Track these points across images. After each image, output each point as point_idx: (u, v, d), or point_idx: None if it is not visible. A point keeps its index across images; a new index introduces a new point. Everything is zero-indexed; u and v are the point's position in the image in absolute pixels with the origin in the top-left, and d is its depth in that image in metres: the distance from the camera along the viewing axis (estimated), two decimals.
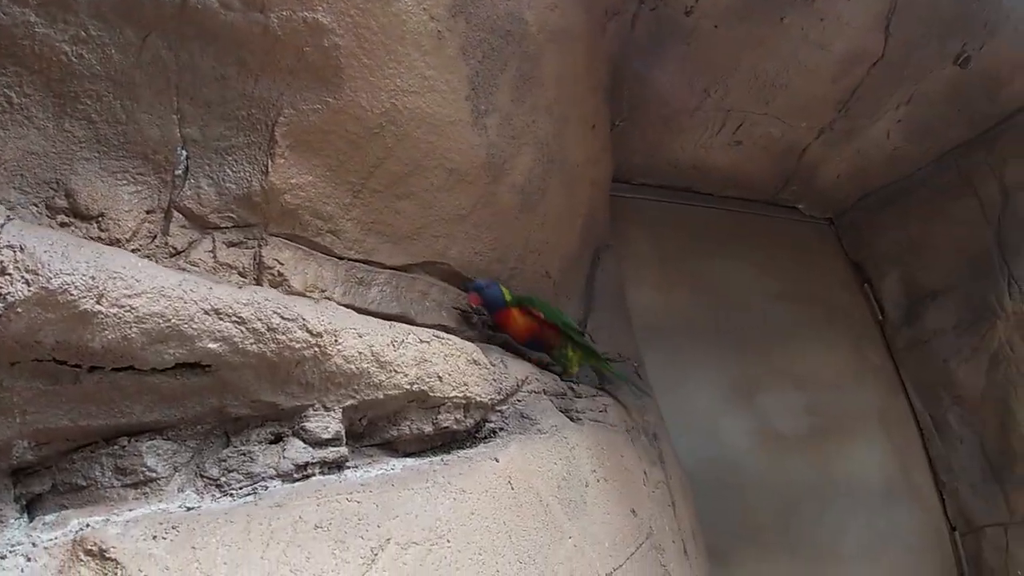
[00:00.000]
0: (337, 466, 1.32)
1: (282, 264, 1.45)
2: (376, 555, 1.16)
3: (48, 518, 1.04)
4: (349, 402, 1.36)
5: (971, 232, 3.82)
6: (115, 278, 1.02)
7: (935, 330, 3.95)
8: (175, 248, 1.33)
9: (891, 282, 4.24)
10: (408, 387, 1.45)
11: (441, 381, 1.52)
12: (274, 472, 1.21)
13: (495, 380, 1.71)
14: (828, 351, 4.00)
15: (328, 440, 1.30)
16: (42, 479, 1.09)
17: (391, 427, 1.49)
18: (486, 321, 2.04)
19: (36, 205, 1.20)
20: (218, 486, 1.17)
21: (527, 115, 1.96)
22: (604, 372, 2.34)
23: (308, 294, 1.47)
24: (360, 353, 1.35)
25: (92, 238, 1.21)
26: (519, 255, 2.09)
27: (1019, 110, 3.63)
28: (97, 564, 0.94)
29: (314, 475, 1.26)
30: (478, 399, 1.63)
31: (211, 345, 1.13)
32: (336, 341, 1.31)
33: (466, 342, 1.68)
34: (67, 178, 1.22)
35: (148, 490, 1.12)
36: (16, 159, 1.17)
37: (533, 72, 1.94)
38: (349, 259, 1.62)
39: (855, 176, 4.12)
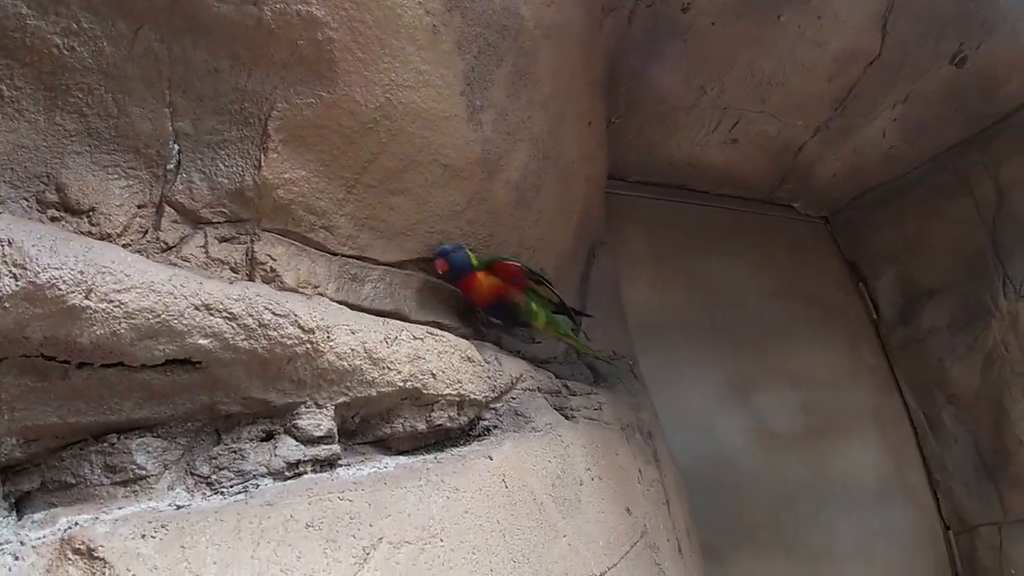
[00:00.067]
0: (329, 464, 1.31)
1: (275, 260, 1.44)
2: (368, 554, 1.16)
3: (37, 516, 1.03)
4: (341, 399, 1.35)
5: (966, 232, 3.82)
6: (104, 273, 1.01)
7: (930, 329, 3.95)
8: (166, 243, 1.32)
9: (886, 281, 4.25)
10: (401, 384, 1.44)
11: (435, 378, 1.52)
12: (265, 470, 1.20)
13: (489, 377, 1.70)
14: (823, 350, 4.00)
15: (320, 438, 1.29)
16: (31, 477, 1.08)
17: (384, 425, 1.48)
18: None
19: (26, 199, 1.18)
20: (208, 484, 1.16)
21: (523, 111, 1.95)
22: (570, 343, 2.28)
23: (301, 290, 1.46)
24: (353, 350, 1.34)
25: (83, 233, 1.20)
26: (514, 252, 2.08)
27: (1015, 110, 3.63)
28: (85, 563, 0.93)
29: (306, 473, 1.25)
30: (472, 397, 1.62)
31: (201, 341, 1.12)
32: (328, 338, 1.30)
33: (460, 339, 1.67)
34: (58, 172, 1.21)
35: (138, 488, 1.11)
36: (6, 153, 1.16)
37: (529, 68, 1.93)
38: (343, 255, 1.60)
39: (851, 175, 4.12)
